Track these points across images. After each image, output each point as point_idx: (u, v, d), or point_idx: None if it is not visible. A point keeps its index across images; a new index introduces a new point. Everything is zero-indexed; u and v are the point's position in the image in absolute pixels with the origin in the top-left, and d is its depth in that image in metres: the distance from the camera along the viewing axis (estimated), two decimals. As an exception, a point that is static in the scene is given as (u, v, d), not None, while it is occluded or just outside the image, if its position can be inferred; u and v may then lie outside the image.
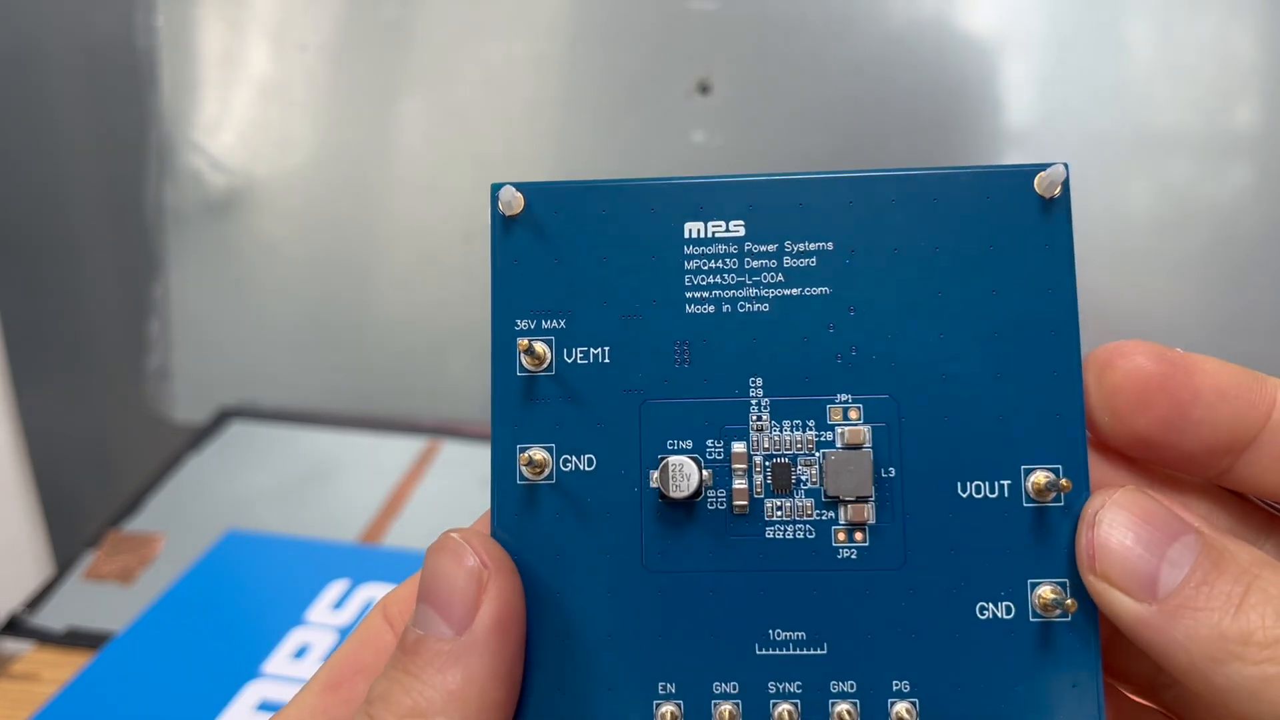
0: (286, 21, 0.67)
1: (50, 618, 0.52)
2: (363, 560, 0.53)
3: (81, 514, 0.74)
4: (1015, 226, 0.20)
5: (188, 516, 0.59)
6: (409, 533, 0.56)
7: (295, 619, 0.48)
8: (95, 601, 0.53)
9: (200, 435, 0.67)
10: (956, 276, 0.20)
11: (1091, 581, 0.19)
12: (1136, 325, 0.61)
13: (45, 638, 0.51)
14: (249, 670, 0.45)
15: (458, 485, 0.61)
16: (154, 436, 0.72)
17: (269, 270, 0.72)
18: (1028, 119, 0.60)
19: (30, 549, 0.72)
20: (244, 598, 0.50)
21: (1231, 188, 0.58)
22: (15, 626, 0.52)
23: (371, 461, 0.63)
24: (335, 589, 0.50)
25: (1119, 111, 0.58)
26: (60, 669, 0.47)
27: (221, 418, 0.69)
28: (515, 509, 0.20)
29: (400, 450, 0.64)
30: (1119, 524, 0.18)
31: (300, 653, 0.46)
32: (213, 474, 0.63)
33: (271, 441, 0.66)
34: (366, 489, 0.60)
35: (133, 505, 0.60)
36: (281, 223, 0.71)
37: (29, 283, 0.75)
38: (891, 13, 0.59)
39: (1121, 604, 0.18)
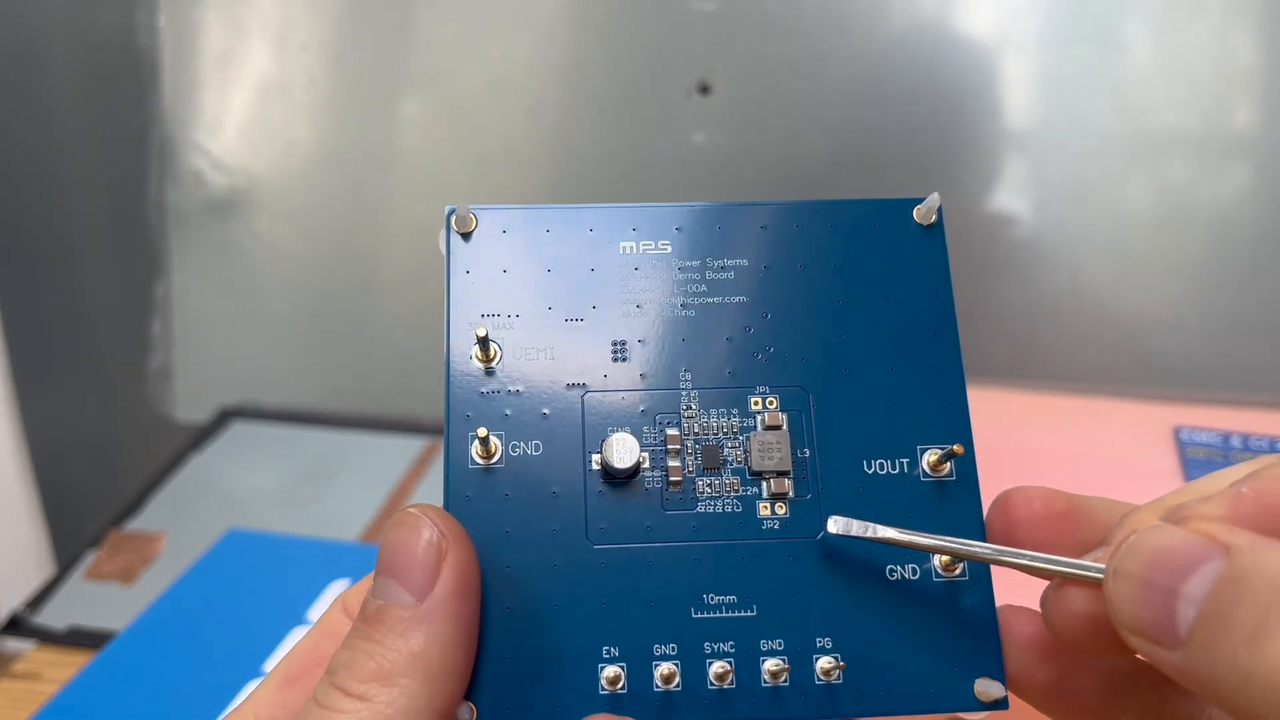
0: (287, 21, 0.68)
1: (52, 617, 0.53)
2: (363, 559, 0.53)
3: (83, 513, 0.75)
4: (900, 247, 0.24)
5: (189, 516, 0.59)
6: (409, 532, 0.56)
7: (296, 618, 0.49)
8: (96, 601, 0.54)
9: (201, 435, 0.67)
10: (854, 288, 0.24)
11: (1126, 637, 0.17)
12: (1136, 325, 0.61)
13: (47, 637, 0.51)
14: (250, 669, 0.46)
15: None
16: (155, 436, 0.73)
17: (270, 270, 0.72)
18: (1027, 119, 0.60)
19: (32, 548, 0.72)
20: (245, 597, 0.51)
21: (1230, 188, 0.58)
22: (17, 626, 0.52)
23: (371, 461, 0.64)
24: (336, 588, 0.51)
25: (1118, 112, 0.59)
26: (61, 668, 0.48)
27: (223, 417, 0.69)
28: (468, 490, 0.22)
29: (400, 450, 0.64)
30: (1129, 575, 0.17)
31: (301, 652, 0.47)
32: (214, 473, 0.64)
33: (272, 441, 0.66)
34: (367, 489, 0.61)
35: (134, 505, 0.61)
36: (282, 222, 0.71)
37: (29, 283, 0.76)
38: (891, 14, 0.60)
39: (1159, 657, 0.16)
